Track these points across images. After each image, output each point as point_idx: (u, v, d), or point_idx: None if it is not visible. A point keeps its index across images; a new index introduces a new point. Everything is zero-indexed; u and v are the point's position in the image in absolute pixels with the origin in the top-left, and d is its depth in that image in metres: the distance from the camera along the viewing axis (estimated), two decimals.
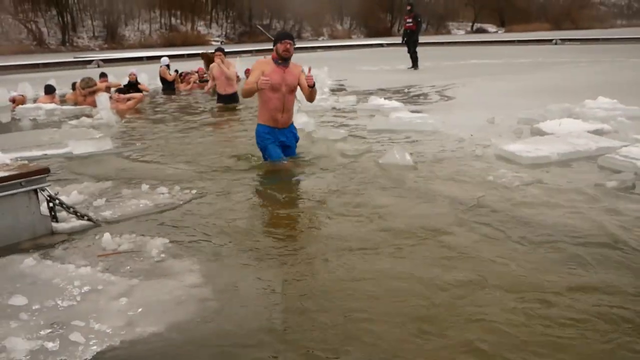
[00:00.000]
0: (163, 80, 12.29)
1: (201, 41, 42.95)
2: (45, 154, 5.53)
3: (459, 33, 59.84)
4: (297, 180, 4.36)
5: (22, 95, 10.25)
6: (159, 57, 14.42)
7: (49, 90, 9.83)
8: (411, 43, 15.30)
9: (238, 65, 12.53)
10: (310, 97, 4.69)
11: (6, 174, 3.11)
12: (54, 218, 3.37)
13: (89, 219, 3.42)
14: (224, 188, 4.18)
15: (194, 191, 4.05)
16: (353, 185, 4.10)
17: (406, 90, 10.64)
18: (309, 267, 2.74)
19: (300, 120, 5.98)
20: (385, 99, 8.23)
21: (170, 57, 13.44)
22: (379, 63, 18.42)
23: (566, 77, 11.86)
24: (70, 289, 2.52)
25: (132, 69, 11.83)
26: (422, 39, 16.14)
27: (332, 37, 52.93)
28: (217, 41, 43.66)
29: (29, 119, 8.45)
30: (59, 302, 2.41)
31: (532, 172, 4.25)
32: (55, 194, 3.41)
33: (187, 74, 13.04)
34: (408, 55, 15.56)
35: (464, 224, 3.23)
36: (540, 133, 5.57)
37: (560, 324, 2.16)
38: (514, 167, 4.43)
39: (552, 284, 2.47)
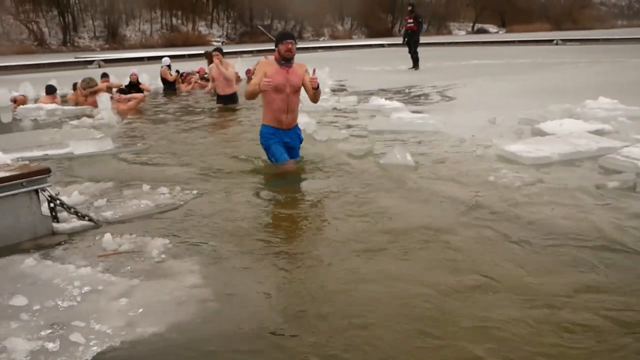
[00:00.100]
0: (164, 80, 12.30)
1: (202, 41, 42.94)
2: (46, 154, 5.53)
3: (460, 33, 59.80)
4: (298, 181, 4.36)
5: (24, 96, 10.26)
6: (160, 57, 14.44)
7: (50, 90, 9.83)
8: (412, 43, 15.29)
9: (239, 66, 12.54)
10: (314, 98, 4.64)
11: (7, 174, 3.12)
12: (55, 218, 3.37)
13: (90, 220, 3.42)
14: (225, 189, 4.18)
15: (194, 192, 4.05)
16: (354, 186, 4.10)
17: (407, 91, 10.64)
18: (310, 269, 2.73)
19: (301, 120, 5.96)
20: (386, 99, 8.23)
21: (171, 57, 13.45)
22: (379, 63, 18.42)
23: (567, 78, 11.85)
24: (70, 289, 2.52)
25: (133, 69, 11.83)
26: (423, 39, 16.14)
27: (333, 37, 52.92)
28: (218, 41, 43.68)
29: (30, 119, 8.46)
30: (60, 302, 2.41)
31: (534, 173, 4.25)
32: (56, 195, 3.41)
33: (188, 74, 13.05)
34: (409, 55, 15.56)
35: (467, 226, 3.22)
36: (541, 133, 5.57)
37: (567, 329, 2.12)
38: (515, 168, 4.42)
39: (558, 287, 2.44)
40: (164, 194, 3.97)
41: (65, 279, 2.62)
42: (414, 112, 7.18)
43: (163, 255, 2.91)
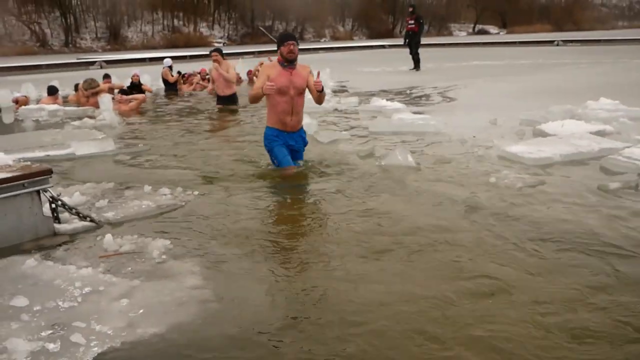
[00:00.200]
0: (165, 81, 12.31)
1: (203, 42, 42.99)
2: (48, 155, 5.53)
3: (460, 34, 59.78)
4: (300, 182, 4.35)
5: (25, 96, 10.26)
6: (162, 58, 14.44)
7: (52, 91, 9.84)
8: (413, 44, 15.30)
9: (240, 67, 12.55)
10: (319, 100, 4.60)
11: (9, 174, 3.12)
12: (57, 219, 3.37)
13: (91, 220, 3.42)
14: (226, 190, 4.17)
15: (196, 192, 4.05)
16: (356, 187, 4.09)
17: (408, 92, 10.64)
18: (311, 271, 2.73)
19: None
20: (387, 100, 8.23)
21: (172, 58, 13.46)
22: (380, 64, 18.42)
23: (568, 78, 11.84)
24: (71, 290, 2.52)
25: (135, 70, 11.85)
26: (424, 40, 16.14)
27: (334, 38, 52.95)
28: (220, 42, 43.72)
29: (32, 119, 8.48)
30: (60, 303, 2.41)
31: (535, 174, 4.24)
32: (58, 195, 3.41)
33: (190, 75, 13.07)
34: (410, 56, 15.56)
35: (470, 228, 3.20)
36: (543, 134, 5.57)
37: (575, 334, 2.08)
38: (517, 169, 4.42)
39: (565, 290, 2.42)
40: (165, 194, 3.98)
41: (66, 280, 2.62)
42: (415, 113, 7.18)
43: (164, 256, 2.91)
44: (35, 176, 3.19)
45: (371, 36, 54.20)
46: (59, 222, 3.38)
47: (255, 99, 4.47)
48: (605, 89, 8.26)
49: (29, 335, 2.15)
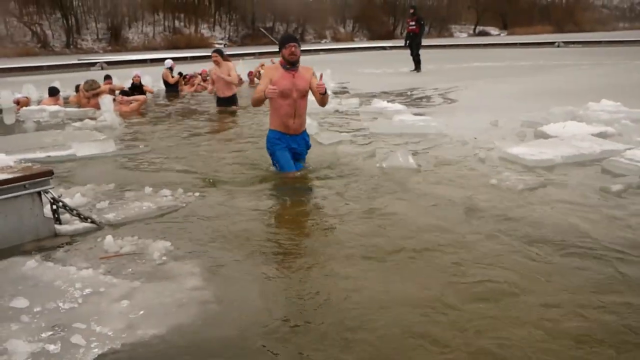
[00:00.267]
0: (165, 82, 12.32)
1: (204, 44, 43.04)
2: (49, 156, 5.53)
3: (461, 36, 59.81)
4: (301, 184, 4.34)
5: (27, 97, 10.28)
6: (163, 59, 14.45)
7: (53, 92, 9.85)
8: (414, 46, 15.31)
9: (240, 68, 12.55)
10: (322, 103, 4.55)
11: (10, 176, 3.12)
12: (57, 220, 3.37)
13: (92, 222, 3.42)
14: (227, 191, 4.17)
15: (196, 194, 4.04)
16: (357, 189, 4.08)
17: (409, 93, 10.64)
18: (312, 273, 2.72)
19: None
20: (388, 101, 8.23)
21: (173, 59, 13.47)
22: (381, 66, 18.43)
23: (569, 80, 11.84)
24: (71, 291, 2.52)
25: (136, 71, 11.87)
26: (424, 41, 16.16)
27: (335, 39, 53.00)
28: (220, 43, 43.76)
29: (33, 120, 8.48)
30: (61, 304, 2.40)
31: (537, 176, 4.23)
32: (59, 196, 3.41)
33: (191, 76, 13.08)
34: (411, 58, 15.57)
35: (473, 230, 3.18)
36: (544, 136, 5.56)
37: (583, 340, 2.04)
38: (519, 170, 4.41)
39: (573, 294, 2.39)
40: (166, 196, 3.97)
41: (67, 281, 2.61)
42: (416, 114, 7.18)
43: (164, 258, 2.90)
44: (36, 177, 3.19)
45: (372, 37, 54.24)
46: (60, 223, 3.37)
47: (257, 103, 4.44)
48: (607, 91, 8.26)
49: (29, 336, 2.15)
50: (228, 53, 9.98)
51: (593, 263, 2.70)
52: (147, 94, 10.98)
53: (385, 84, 12.22)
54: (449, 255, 2.84)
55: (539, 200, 3.69)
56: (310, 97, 4.58)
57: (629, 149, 4.66)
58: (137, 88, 10.74)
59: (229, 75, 8.83)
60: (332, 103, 8.68)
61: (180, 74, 12.99)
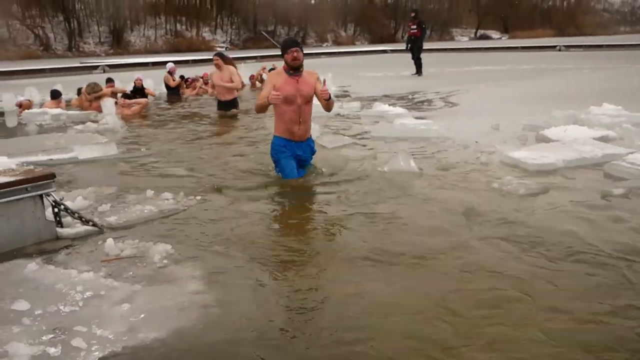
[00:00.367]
0: (167, 86, 12.35)
1: (206, 47, 43.11)
2: (51, 159, 5.54)
3: (462, 39, 59.85)
4: (302, 188, 4.32)
5: (29, 100, 10.30)
6: (165, 62, 14.48)
7: (55, 95, 9.88)
8: (415, 49, 15.32)
9: (242, 71, 12.55)
10: (327, 108, 4.51)
11: (12, 179, 3.12)
12: (59, 223, 3.37)
13: (94, 225, 3.43)
14: (229, 195, 4.17)
15: (198, 197, 4.05)
16: (358, 193, 4.08)
17: (410, 97, 10.64)
18: (314, 278, 2.71)
19: None
20: (389, 105, 8.24)
21: (175, 62, 13.50)
22: (383, 69, 18.44)
23: (570, 84, 11.84)
24: (72, 294, 2.52)
25: (138, 74, 11.89)
26: (426, 45, 16.18)
27: (336, 43, 53.08)
28: (222, 47, 43.85)
29: (35, 123, 8.50)
30: (62, 307, 2.40)
31: (539, 180, 4.23)
32: (61, 200, 3.42)
33: (193, 80, 13.10)
34: (412, 61, 15.58)
35: (476, 235, 3.16)
36: (545, 140, 5.55)
37: (587, 349, 2.01)
38: (520, 174, 4.41)
39: (580, 301, 2.36)
40: (167, 199, 3.97)
41: (68, 284, 2.61)
42: (417, 118, 7.18)
43: (165, 261, 2.90)
44: (38, 180, 3.20)
45: (373, 41, 54.30)
46: (62, 226, 3.38)
47: (261, 109, 4.38)
48: (608, 95, 8.26)
49: (30, 339, 2.15)
50: (231, 56, 9.96)
51: (598, 268, 2.68)
52: (149, 97, 11.00)
53: (386, 88, 12.24)
54: (453, 261, 2.82)
55: (541, 204, 3.69)
56: (315, 101, 4.53)
57: (631, 152, 4.66)
58: (139, 91, 10.77)
59: (231, 80, 8.79)
60: (334, 106, 8.67)
61: (182, 77, 13.01)
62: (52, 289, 2.58)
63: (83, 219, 3.41)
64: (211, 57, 9.35)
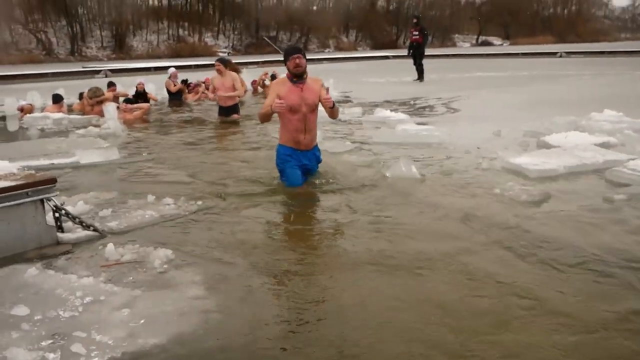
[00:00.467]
0: (168, 91, 12.39)
1: (208, 52, 43.26)
2: (52, 163, 5.55)
3: (464, 46, 60.00)
4: (304, 194, 4.30)
5: (30, 104, 10.32)
6: (167, 67, 14.54)
7: (57, 99, 9.89)
8: (417, 55, 15.36)
9: (244, 76, 12.57)
10: (332, 116, 4.43)
11: (13, 183, 3.12)
12: (60, 228, 3.37)
13: (95, 230, 3.42)
14: (230, 200, 4.16)
15: (199, 202, 4.04)
16: (359, 198, 4.07)
17: (412, 102, 10.66)
18: (316, 284, 2.69)
19: None
20: (391, 111, 8.25)
21: (177, 67, 13.54)
22: (384, 75, 18.48)
23: (571, 90, 11.85)
24: (72, 299, 2.51)
25: (140, 79, 11.92)
26: (427, 51, 16.22)
27: (338, 49, 53.24)
28: (224, 52, 43.98)
29: (37, 127, 8.51)
30: (61, 312, 2.39)
31: (540, 186, 4.22)
32: (62, 204, 3.41)
33: (195, 85, 13.14)
34: (414, 67, 15.62)
35: (480, 242, 3.13)
36: (547, 146, 5.55)
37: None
38: (522, 180, 4.40)
39: (587, 309, 2.32)
40: (168, 204, 3.97)
41: (68, 289, 2.61)
42: (419, 123, 7.19)
43: (165, 266, 2.89)
44: (39, 185, 3.19)
45: (375, 47, 54.45)
46: (62, 231, 3.37)
47: (265, 118, 4.30)
48: (609, 101, 8.26)
49: (29, 344, 2.14)
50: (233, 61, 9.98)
51: (604, 275, 2.66)
52: (151, 101, 11.03)
53: (388, 93, 12.25)
54: (456, 267, 2.80)
55: (543, 210, 3.68)
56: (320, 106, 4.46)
57: (632, 159, 4.65)
58: (141, 95, 10.80)
59: (234, 86, 8.76)
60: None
61: (184, 81, 13.05)
62: (51, 294, 2.57)
63: (84, 224, 3.40)
64: (213, 63, 9.36)
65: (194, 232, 3.47)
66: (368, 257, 2.97)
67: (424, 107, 9.88)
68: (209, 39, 48.93)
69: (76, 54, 40.83)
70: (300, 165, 4.39)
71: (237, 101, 9.12)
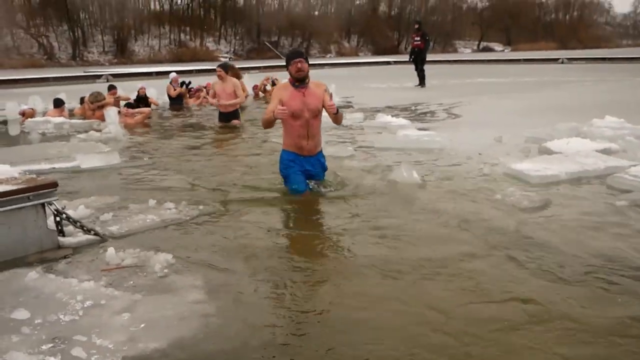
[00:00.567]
0: (169, 95, 12.42)
1: (210, 57, 43.40)
2: (54, 168, 5.55)
3: (465, 51, 60.15)
4: (305, 199, 4.28)
5: (32, 109, 10.35)
6: (168, 72, 14.59)
7: (58, 103, 9.92)
8: (419, 61, 15.39)
9: (245, 81, 12.60)
10: (336, 121, 4.38)
11: (14, 187, 3.12)
12: (61, 232, 3.37)
13: (96, 234, 3.42)
14: (232, 205, 4.16)
15: (200, 207, 4.03)
16: (361, 204, 4.06)
17: (413, 108, 10.66)
18: (318, 290, 2.69)
19: None
20: (392, 116, 8.26)
21: (178, 72, 13.60)
22: (386, 80, 18.51)
23: (573, 96, 11.86)
24: (73, 303, 2.50)
25: (141, 83, 11.96)
26: (429, 56, 16.25)
27: (340, 54, 53.40)
28: (226, 57, 44.10)
29: (38, 132, 8.53)
30: (62, 316, 2.39)
31: (542, 192, 4.21)
32: (63, 208, 3.41)
33: (197, 90, 13.17)
34: (415, 73, 15.64)
35: (482, 248, 3.12)
36: (548, 152, 5.55)
37: None
38: (523, 186, 4.39)
39: (591, 317, 2.30)
40: (169, 209, 3.97)
41: (68, 293, 2.60)
42: (420, 129, 7.19)
43: (166, 270, 2.89)
44: (40, 189, 3.20)
45: (376, 52, 54.61)
46: (64, 235, 3.37)
47: (267, 124, 4.26)
48: (611, 107, 8.27)
49: (29, 348, 2.13)
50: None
51: (608, 282, 2.64)
52: (152, 106, 11.05)
53: (389, 99, 12.27)
54: (459, 274, 2.78)
55: (545, 216, 3.67)
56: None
57: (634, 165, 4.64)
58: (142, 100, 10.82)
59: (234, 93, 8.75)
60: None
61: (185, 84, 13.08)
62: (52, 297, 2.57)
63: (85, 228, 3.40)
64: (215, 68, 9.37)
65: (195, 236, 3.47)
66: (370, 263, 2.95)
67: (425, 113, 9.89)
68: (210, 43, 49.11)
69: (78, 59, 40.98)
70: (303, 171, 4.34)
71: (238, 107, 9.13)
